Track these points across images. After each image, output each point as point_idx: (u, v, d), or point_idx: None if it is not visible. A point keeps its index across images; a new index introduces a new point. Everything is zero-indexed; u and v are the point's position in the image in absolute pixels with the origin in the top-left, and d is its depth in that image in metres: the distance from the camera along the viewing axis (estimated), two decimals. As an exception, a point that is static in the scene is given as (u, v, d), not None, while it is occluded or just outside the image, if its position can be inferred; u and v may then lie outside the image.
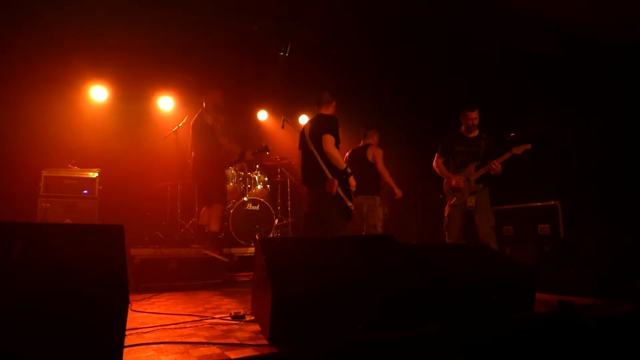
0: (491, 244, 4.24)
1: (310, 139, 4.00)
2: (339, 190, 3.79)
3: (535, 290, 2.73)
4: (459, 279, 2.44)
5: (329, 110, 4.11)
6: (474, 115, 4.52)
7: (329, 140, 3.81)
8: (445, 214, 4.58)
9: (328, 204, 3.80)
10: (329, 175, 3.80)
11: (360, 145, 5.40)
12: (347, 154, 5.41)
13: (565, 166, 5.54)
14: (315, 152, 3.90)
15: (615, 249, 4.12)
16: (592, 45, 5.41)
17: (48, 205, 4.86)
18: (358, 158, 5.22)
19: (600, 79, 5.39)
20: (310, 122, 4.14)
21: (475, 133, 4.61)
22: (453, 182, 4.49)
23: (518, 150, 4.42)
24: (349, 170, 3.87)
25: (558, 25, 5.24)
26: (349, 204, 3.83)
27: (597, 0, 4.79)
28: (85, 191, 5.09)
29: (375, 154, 5.18)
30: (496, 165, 4.34)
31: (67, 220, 4.78)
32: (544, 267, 4.15)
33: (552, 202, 5.14)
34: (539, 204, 5.30)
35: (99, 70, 6.18)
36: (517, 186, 5.68)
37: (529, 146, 4.41)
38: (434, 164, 4.74)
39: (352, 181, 3.89)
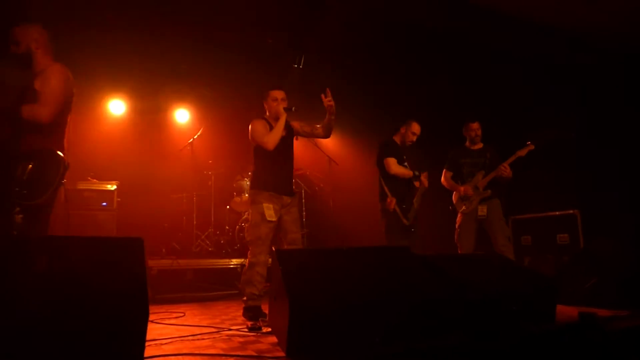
0: (508, 254, 4.18)
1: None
2: (396, 208, 4.22)
3: (555, 302, 2.69)
4: (478, 291, 2.41)
5: (397, 136, 4.51)
6: (476, 126, 4.59)
7: (389, 163, 4.27)
8: (457, 225, 4.53)
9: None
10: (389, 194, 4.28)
11: None
12: None
13: (584, 174, 5.45)
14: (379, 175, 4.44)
15: (637, 259, 4.03)
16: (610, 52, 5.34)
17: (68, 218, 4.93)
18: None
19: (620, 85, 5.31)
20: None
21: (480, 145, 4.63)
22: (462, 190, 4.47)
23: (522, 152, 4.34)
24: (416, 173, 4.31)
25: (575, 33, 5.21)
26: (405, 220, 4.21)
27: (612, 7, 4.76)
28: (104, 203, 5.16)
29: None
30: (505, 167, 4.30)
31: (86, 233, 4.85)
32: (563, 278, 4.08)
33: (571, 211, 5.05)
34: (557, 213, 5.20)
35: (117, 84, 6.30)
36: (535, 195, 5.60)
37: (532, 147, 4.32)
38: (442, 178, 4.75)
39: (423, 178, 4.36)
